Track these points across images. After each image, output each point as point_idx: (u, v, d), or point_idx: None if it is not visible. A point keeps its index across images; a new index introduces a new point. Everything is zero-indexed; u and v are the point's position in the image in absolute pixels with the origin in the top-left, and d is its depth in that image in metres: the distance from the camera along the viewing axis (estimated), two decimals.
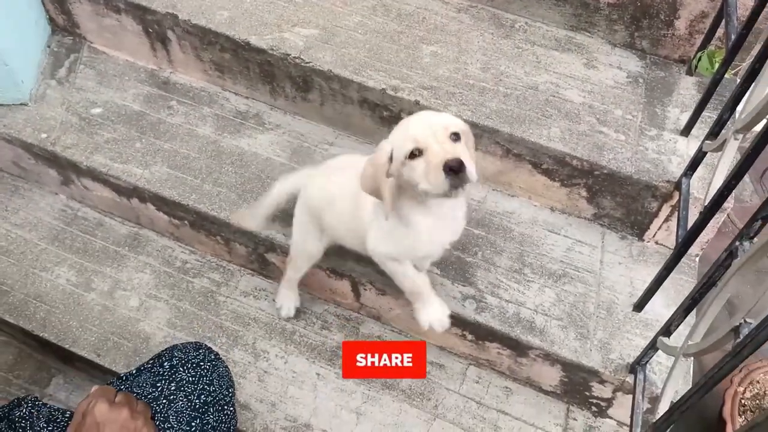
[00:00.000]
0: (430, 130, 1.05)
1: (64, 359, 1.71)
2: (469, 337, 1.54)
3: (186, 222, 1.68)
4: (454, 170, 1.01)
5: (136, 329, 1.63)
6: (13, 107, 1.77)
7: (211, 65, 1.78)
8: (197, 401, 1.25)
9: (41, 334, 1.63)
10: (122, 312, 1.66)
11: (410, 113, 1.58)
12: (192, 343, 1.37)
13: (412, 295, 1.33)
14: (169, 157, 1.69)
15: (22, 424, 1.19)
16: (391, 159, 1.10)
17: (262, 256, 1.66)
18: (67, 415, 1.21)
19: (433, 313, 1.32)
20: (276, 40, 1.64)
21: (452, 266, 1.54)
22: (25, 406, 1.23)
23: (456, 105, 1.54)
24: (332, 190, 1.35)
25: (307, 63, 1.61)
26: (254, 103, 1.81)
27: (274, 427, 1.51)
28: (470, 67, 1.62)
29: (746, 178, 2.63)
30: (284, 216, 1.54)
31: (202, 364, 1.31)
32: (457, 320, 1.49)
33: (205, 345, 1.37)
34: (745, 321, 0.90)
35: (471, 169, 1.03)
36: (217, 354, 1.37)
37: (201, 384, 1.28)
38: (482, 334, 1.50)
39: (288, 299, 1.65)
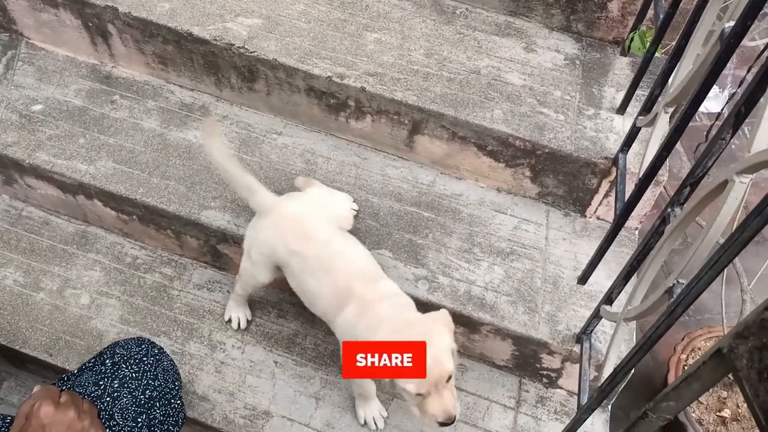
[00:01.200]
0: (436, 381, 1.14)
1: (15, 361, 1.67)
2: None
3: (134, 217, 1.67)
4: (448, 424, 1.17)
5: (89, 327, 1.61)
6: None
7: (153, 58, 1.76)
8: (142, 397, 1.25)
9: None
10: (73, 310, 1.63)
11: (357, 100, 1.62)
12: (134, 338, 1.36)
13: (360, 395, 1.50)
14: (114, 151, 1.67)
15: None
16: None
17: (214, 247, 1.66)
18: (8, 420, 1.18)
19: (370, 411, 1.51)
20: (219, 30, 1.64)
21: (404, 249, 1.57)
22: None
23: (401, 90, 1.57)
24: (306, 281, 1.37)
25: (251, 53, 1.61)
26: (200, 95, 1.80)
27: (234, 416, 1.51)
28: (414, 54, 1.65)
29: (683, 156, 2.75)
30: (236, 204, 1.55)
31: (144, 359, 1.31)
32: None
33: (148, 340, 1.36)
34: (677, 282, 0.96)
35: (458, 414, 1.19)
36: (161, 348, 1.36)
37: (145, 379, 1.27)
38: None
39: (238, 312, 1.63)
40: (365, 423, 1.51)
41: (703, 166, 0.95)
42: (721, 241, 0.81)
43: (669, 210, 1.04)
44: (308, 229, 1.37)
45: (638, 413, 0.92)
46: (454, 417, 1.17)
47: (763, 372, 0.62)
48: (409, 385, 1.15)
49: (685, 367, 2.03)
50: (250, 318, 1.64)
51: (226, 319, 1.63)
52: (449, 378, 1.17)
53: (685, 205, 1.00)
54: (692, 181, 0.98)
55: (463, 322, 1.52)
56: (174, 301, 1.67)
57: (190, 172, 1.65)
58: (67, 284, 1.68)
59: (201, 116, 1.76)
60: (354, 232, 1.58)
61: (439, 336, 1.17)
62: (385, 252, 1.56)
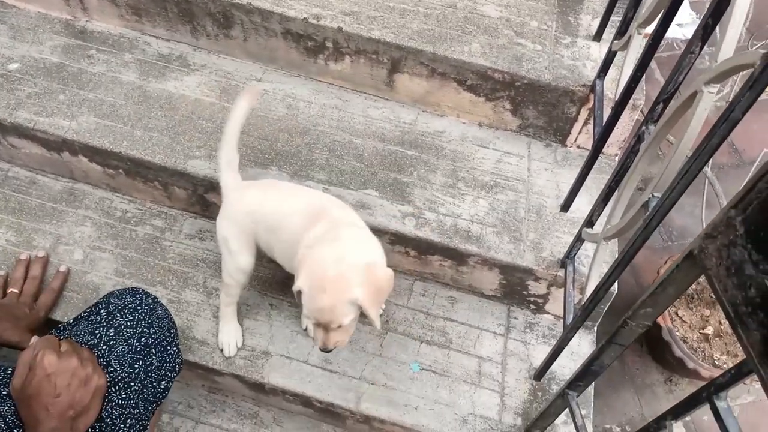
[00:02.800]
0: (327, 318, 1.21)
1: None
2: (412, 253, 1.61)
3: (121, 170, 1.68)
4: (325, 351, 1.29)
5: (84, 281, 1.64)
6: None
7: (127, 9, 1.74)
8: (137, 344, 1.28)
9: None
10: (67, 266, 1.66)
11: (334, 41, 1.61)
12: (128, 289, 1.38)
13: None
14: (95, 106, 1.67)
15: None
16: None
17: (203, 197, 1.68)
18: (9, 372, 1.21)
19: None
20: None
21: (390, 187, 1.60)
22: None
23: (378, 29, 1.57)
24: (277, 217, 1.36)
25: None
26: (176, 45, 1.79)
27: (234, 357, 1.56)
28: None
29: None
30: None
31: (139, 308, 1.33)
32: (399, 238, 1.56)
33: (142, 290, 1.38)
34: (653, 195, 0.99)
35: (343, 343, 1.30)
36: (155, 298, 1.39)
37: (140, 327, 1.30)
38: (424, 248, 1.58)
39: (230, 336, 1.56)
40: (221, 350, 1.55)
41: (674, 82, 0.97)
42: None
43: (643, 128, 1.06)
44: (275, 186, 1.42)
45: (619, 322, 0.97)
46: (330, 349, 1.27)
47: (731, 267, 0.66)
48: (305, 320, 1.30)
49: None
50: (241, 342, 1.57)
51: (220, 346, 1.56)
52: (340, 325, 1.23)
53: (658, 122, 1.03)
54: (665, 97, 1.00)
55: (451, 255, 1.56)
56: (167, 251, 1.70)
57: (172, 123, 1.65)
58: (60, 241, 1.69)
59: (179, 66, 1.75)
60: (339, 173, 1.60)
61: (348, 290, 1.19)
62: (371, 192, 1.59)
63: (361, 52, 1.62)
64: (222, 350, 1.55)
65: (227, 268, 1.46)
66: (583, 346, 1.61)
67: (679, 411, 0.79)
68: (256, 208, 1.37)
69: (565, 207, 1.56)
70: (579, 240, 1.39)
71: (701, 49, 0.90)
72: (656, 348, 2.15)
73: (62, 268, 1.61)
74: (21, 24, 1.81)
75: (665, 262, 2.17)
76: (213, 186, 1.62)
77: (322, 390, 1.52)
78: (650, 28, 1.16)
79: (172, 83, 1.72)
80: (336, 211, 1.32)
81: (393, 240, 1.58)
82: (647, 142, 1.03)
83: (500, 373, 1.56)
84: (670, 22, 1.06)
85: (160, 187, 1.69)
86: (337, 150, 1.65)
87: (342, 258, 1.20)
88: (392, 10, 1.61)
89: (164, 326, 1.35)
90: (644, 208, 1.01)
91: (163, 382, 1.32)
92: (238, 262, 1.42)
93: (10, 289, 1.55)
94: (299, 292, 1.22)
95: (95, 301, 1.58)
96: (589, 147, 1.66)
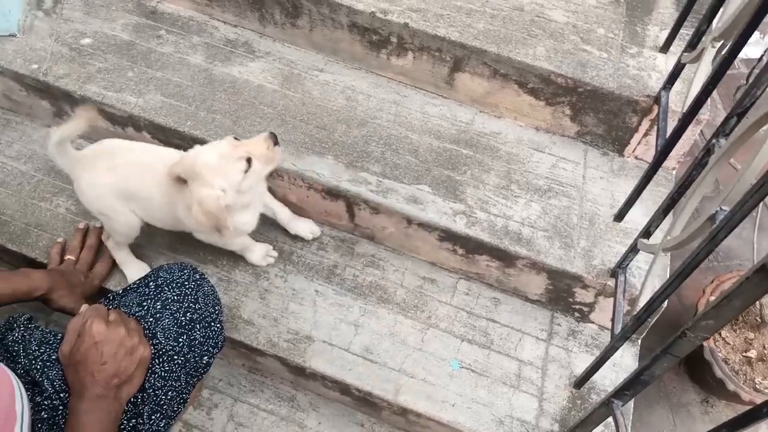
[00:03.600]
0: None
1: None
2: (460, 251, 1.62)
3: (182, 149, 1.71)
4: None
5: (139, 254, 1.68)
6: (2, 38, 1.76)
7: None
8: (183, 318, 1.31)
9: (45, 261, 1.67)
10: None
11: (399, 37, 1.63)
12: (177, 264, 1.42)
13: (243, 249, 1.65)
14: (161, 85, 1.72)
15: (16, 348, 1.24)
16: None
17: None
18: (59, 337, 1.26)
19: (259, 252, 1.66)
20: None
21: (442, 185, 1.61)
22: (18, 329, 1.28)
23: (444, 27, 1.58)
24: (131, 187, 1.45)
25: None
26: (243, 32, 1.83)
27: (278, 339, 1.59)
28: None
29: (718, 104, 2.72)
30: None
31: (186, 283, 1.36)
32: (448, 235, 1.58)
33: (190, 266, 1.42)
34: (720, 208, 0.98)
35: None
36: (202, 275, 1.42)
37: (186, 302, 1.33)
38: (472, 247, 1.58)
39: (135, 270, 1.64)
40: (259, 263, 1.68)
41: (751, 96, 0.96)
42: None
43: (714, 141, 1.06)
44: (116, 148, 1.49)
45: (677, 333, 0.96)
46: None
47: None
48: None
49: None
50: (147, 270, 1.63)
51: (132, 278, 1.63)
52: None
53: (730, 136, 1.02)
54: (739, 111, 1.00)
55: (499, 255, 1.57)
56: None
57: (234, 107, 1.69)
58: None
59: (245, 52, 1.79)
60: (394, 167, 1.62)
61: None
62: (424, 187, 1.60)
63: (424, 49, 1.63)
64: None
65: (115, 229, 1.55)
66: (626, 358, 1.60)
67: (737, 424, 0.79)
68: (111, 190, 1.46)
69: (619, 217, 1.55)
70: (633, 250, 1.38)
71: None
72: (696, 367, 2.12)
73: None
74: (95, 1, 1.87)
75: (711, 282, 2.14)
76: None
77: (361, 379, 1.54)
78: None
79: (237, 68, 1.76)
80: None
81: (442, 237, 1.59)
82: (717, 156, 1.02)
83: (540, 378, 1.56)
84: (749, 37, 1.05)
85: None
86: (392, 144, 1.67)
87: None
88: (459, 9, 1.62)
89: (209, 303, 1.38)
90: (709, 221, 1.00)
91: (205, 357, 1.35)
92: (126, 224, 1.52)
93: (68, 256, 1.61)
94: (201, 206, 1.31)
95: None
96: (647, 159, 1.65)
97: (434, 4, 1.62)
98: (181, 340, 1.29)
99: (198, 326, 1.33)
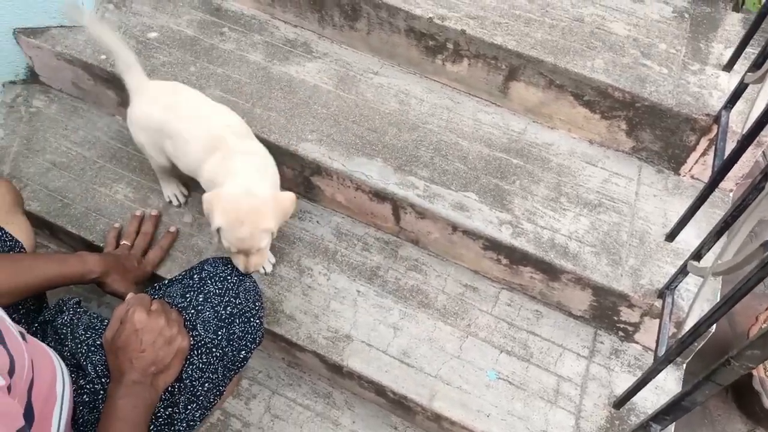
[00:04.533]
0: (247, 246, 1.37)
1: None
2: (504, 261, 1.61)
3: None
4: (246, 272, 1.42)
5: (190, 243, 1.73)
6: (74, 29, 1.85)
7: None
8: (223, 312, 1.33)
9: (101, 245, 1.74)
10: (178, 227, 1.76)
11: (455, 43, 1.63)
12: (222, 258, 1.45)
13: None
14: (221, 81, 1.77)
15: (64, 331, 1.29)
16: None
17: (308, 179, 1.74)
18: (105, 323, 1.30)
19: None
20: None
21: (490, 193, 1.60)
22: (67, 313, 1.33)
23: (501, 35, 1.58)
24: (178, 142, 1.50)
25: None
26: (303, 32, 1.87)
27: (317, 336, 1.61)
28: None
29: None
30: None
31: (229, 278, 1.39)
32: (492, 244, 1.57)
33: None
34: None
35: (260, 265, 1.44)
36: None
37: (227, 296, 1.35)
38: (517, 257, 1.57)
39: (170, 190, 1.77)
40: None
41: None
42: None
43: None
44: (180, 92, 1.54)
45: (721, 360, 0.94)
46: (250, 271, 1.42)
47: None
48: (226, 244, 1.37)
49: None
50: (186, 193, 1.78)
51: (166, 199, 1.78)
52: (258, 249, 1.39)
53: None
54: None
55: (544, 268, 1.55)
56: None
57: (289, 105, 1.72)
58: (172, 203, 1.80)
59: (303, 52, 1.82)
60: (442, 173, 1.62)
61: (263, 221, 1.35)
62: (471, 195, 1.60)
63: (480, 56, 1.63)
64: (170, 202, 1.77)
65: (152, 163, 1.66)
66: (669, 381, 1.56)
67: None
68: (157, 125, 1.51)
69: (671, 237, 1.51)
70: (682, 272, 1.35)
71: None
72: (744, 396, 2.05)
73: (172, 229, 1.72)
74: None
75: (765, 309, 2.06)
76: (319, 169, 1.68)
77: (397, 381, 1.54)
78: None
79: (294, 68, 1.79)
80: (231, 140, 1.43)
81: (486, 245, 1.58)
82: None
83: (579, 395, 1.54)
84: None
85: None
86: (442, 150, 1.67)
87: (250, 192, 1.36)
88: (518, 17, 1.61)
89: (250, 298, 1.40)
90: (763, 247, 0.97)
91: (243, 351, 1.36)
92: (158, 163, 1.62)
93: (123, 242, 1.67)
94: (219, 229, 1.36)
95: (197, 263, 1.69)
96: (704, 178, 1.60)
97: (493, 12, 1.62)
98: (220, 333, 1.31)
99: (237, 321, 1.34)
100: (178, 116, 1.48)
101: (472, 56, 1.64)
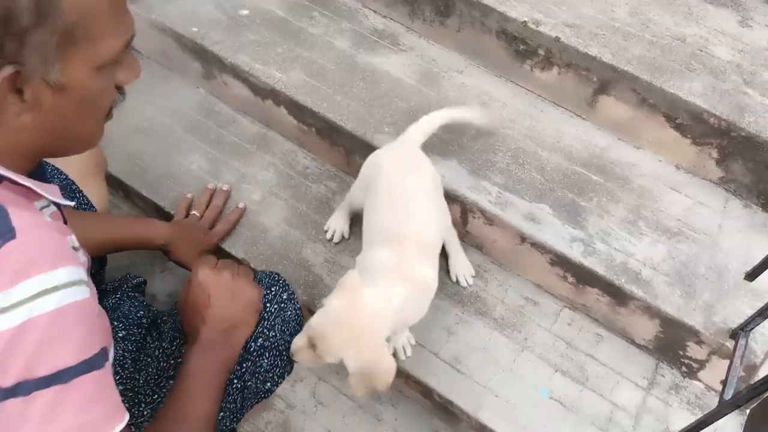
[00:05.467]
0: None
1: None
2: (570, 279, 1.56)
3: (313, 129, 1.77)
4: None
5: (257, 221, 1.75)
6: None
7: None
8: (253, 344, 1.21)
9: (171, 212, 1.78)
10: (245, 203, 1.78)
11: (547, 50, 1.59)
12: (270, 275, 1.34)
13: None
14: (306, 65, 1.77)
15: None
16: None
17: None
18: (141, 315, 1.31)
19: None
20: None
21: (564, 208, 1.56)
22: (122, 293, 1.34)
23: (597, 46, 1.53)
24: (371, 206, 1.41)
25: None
26: (391, 23, 1.85)
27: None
28: (618, 10, 1.59)
29: None
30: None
31: (268, 305, 1.26)
32: (561, 260, 1.52)
33: (283, 281, 1.33)
34: None
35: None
36: (291, 293, 1.33)
37: (262, 327, 1.24)
38: (584, 277, 1.52)
39: (338, 224, 1.69)
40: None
41: None
42: None
43: None
44: (418, 163, 1.44)
45: None
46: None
47: None
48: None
49: None
50: (347, 235, 1.69)
51: (325, 228, 1.70)
52: None
53: None
54: None
55: (612, 292, 1.50)
56: (332, 213, 1.77)
57: (370, 96, 1.72)
58: (243, 179, 1.82)
59: (389, 44, 1.81)
60: (517, 181, 1.59)
61: (374, 337, 1.17)
62: (544, 207, 1.56)
63: (571, 66, 1.58)
64: (326, 231, 1.69)
65: (353, 187, 1.57)
66: (728, 425, 1.49)
67: None
68: (374, 172, 1.43)
69: (752, 276, 1.44)
70: (761, 315, 1.28)
71: None
72: None
73: (240, 205, 1.74)
74: None
75: None
76: None
77: (445, 386, 1.52)
78: None
79: (379, 58, 1.78)
80: (409, 254, 1.26)
81: (554, 261, 1.54)
82: None
83: (632, 426, 1.48)
84: None
85: (343, 153, 1.77)
86: (519, 157, 1.63)
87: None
88: (616, 30, 1.55)
89: (287, 330, 1.29)
90: None
91: (269, 383, 1.27)
92: (353, 196, 1.55)
93: (193, 212, 1.70)
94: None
95: (262, 242, 1.70)
96: None
97: (590, 21, 1.57)
98: (245, 365, 1.20)
99: (267, 354, 1.24)
100: (393, 189, 1.38)
101: (563, 65, 1.59)
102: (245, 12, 1.87)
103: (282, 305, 1.29)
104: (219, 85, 1.91)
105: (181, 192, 1.79)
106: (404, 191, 1.37)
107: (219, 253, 1.76)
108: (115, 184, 1.83)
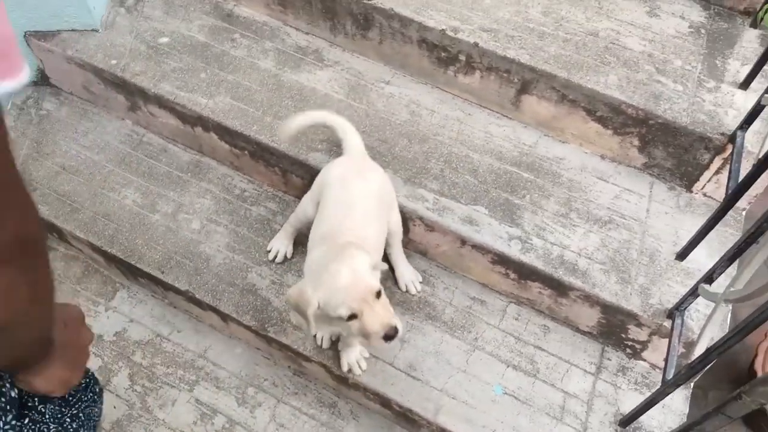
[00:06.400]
0: (362, 296, 1.19)
1: (129, 275, 1.83)
2: (512, 275, 1.60)
3: (246, 152, 1.76)
4: (392, 336, 1.20)
5: (198, 250, 1.73)
6: (85, 33, 1.84)
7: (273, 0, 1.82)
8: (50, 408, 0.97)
9: (109, 250, 1.74)
10: (185, 233, 1.76)
11: (468, 55, 1.62)
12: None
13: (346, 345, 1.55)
14: (232, 88, 1.76)
15: None
16: (319, 306, 1.22)
17: None
18: None
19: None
20: None
21: (500, 207, 1.59)
22: None
23: (515, 48, 1.56)
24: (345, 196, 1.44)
25: (368, 1, 1.64)
26: (314, 40, 1.85)
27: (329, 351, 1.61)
28: (531, 11, 1.63)
29: None
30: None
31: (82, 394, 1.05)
32: (501, 259, 1.56)
33: (92, 375, 1.09)
34: None
35: (401, 327, 1.22)
36: (94, 395, 1.09)
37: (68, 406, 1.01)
38: (525, 273, 1.56)
39: (281, 245, 1.69)
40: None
41: None
42: None
43: None
44: (365, 172, 1.48)
45: (732, 394, 0.93)
46: (395, 327, 1.20)
47: None
48: (341, 310, 1.19)
49: None
50: (290, 255, 1.70)
51: (268, 249, 1.71)
52: (378, 293, 1.22)
53: None
54: None
55: (552, 285, 1.54)
56: (275, 234, 1.76)
57: None
58: (181, 209, 1.80)
59: (314, 60, 1.81)
60: (452, 185, 1.61)
61: (353, 257, 1.22)
62: (480, 209, 1.59)
63: (492, 69, 1.62)
64: (269, 252, 1.69)
65: (302, 202, 1.58)
66: (676, 400, 1.55)
67: None
68: (324, 185, 1.48)
69: (682, 256, 1.50)
70: (693, 294, 1.34)
71: None
72: (752, 416, 2.03)
73: None
74: (174, 1, 1.93)
75: None
76: None
77: (402, 395, 1.54)
78: None
79: (305, 75, 1.78)
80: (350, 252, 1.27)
81: (494, 260, 1.57)
82: None
83: (585, 412, 1.53)
84: None
85: (279, 173, 1.76)
86: (452, 162, 1.66)
87: (345, 253, 1.24)
88: (531, 31, 1.59)
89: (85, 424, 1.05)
90: None
91: None
92: (304, 212, 1.56)
93: None
94: (318, 309, 1.22)
95: (205, 271, 1.68)
96: (717, 197, 1.59)
97: (506, 25, 1.60)
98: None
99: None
100: (339, 195, 1.43)
101: (485, 69, 1.63)
102: (165, 40, 1.84)
103: (93, 401, 1.08)
104: (146, 116, 1.87)
105: (117, 229, 1.76)
106: (350, 196, 1.42)
107: (162, 285, 1.74)
108: (47, 227, 1.78)
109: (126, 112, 1.91)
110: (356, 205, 1.41)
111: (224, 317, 1.67)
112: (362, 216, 1.40)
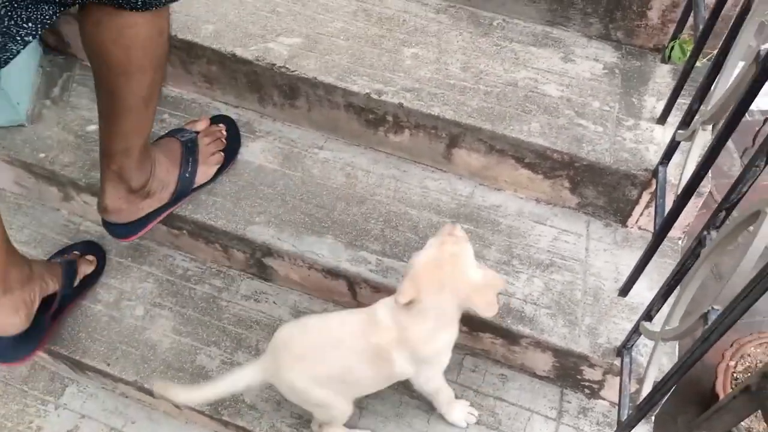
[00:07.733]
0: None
1: (76, 369, 1.77)
2: (464, 328, 1.59)
3: (185, 231, 1.74)
4: None
5: (143, 337, 1.69)
6: (11, 129, 1.82)
7: (199, 77, 1.82)
8: None
9: (53, 347, 1.69)
10: (129, 321, 1.72)
11: (395, 116, 1.65)
12: None
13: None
14: None
15: None
16: None
17: (260, 260, 1.72)
18: None
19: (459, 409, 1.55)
20: (261, 50, 1.69)
21: None
22: None
23: (438, 105, 1.59)
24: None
25: (292, 72, 1.66)
26: (244, 112, 1.86)
27: (280, 425, 1.57)
28: (451, 67, 1.67)
29: (734, 153, 2.68)
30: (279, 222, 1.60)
31: None
32: None
33: None
34: (712, 308, 0.95)
35: None
36: None
37: None
38: (475, 325, 1.56)
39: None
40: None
41: (737, 192, 0.94)
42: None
43: (705, 233, 1.03)
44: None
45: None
46: None
47: None
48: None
49: (734, 374, 2.01)
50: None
51: None
52: None
53: (720, 230, 1.00)
54: (727, 206, 0.97)
55: (502, 334, 1.54)
56: (223, 311, 1.74)
57: (235, 189, 1.71)
58: (123, 296, 1.76)
59: (246, 132, 1.82)
60: (394, 244, 1.61)
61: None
62: None
63: (420, 127, 1.64)
64: None
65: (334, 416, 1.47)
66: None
67: None
68: None
69: (624, 291, 1.52)
70: (636, 332, 1.35)
71: (766, 164, 0.87)
72: None
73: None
74: None
75: (731, 345, 2.07)
76: (270, 251, 1.66)
77: None
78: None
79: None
80: None
81: None
82: (708, 250, 1.00)
83: None
84: (737, 124, 1.03)
85: (220, 249, 1.75)
86: (392, 221, 1.66)
87: None
88: (453, 87, 1.63)
89: None
90: (702, 320, 0.97)
91: None
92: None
93: None
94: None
95: (152, 359, 1.64)
96: (651, 228, 1.62)
97: (428, 83, 1.63)
98: None
99: None
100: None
101: (413, 127, 1.65)
102: (93, 128, 1.83)
103: None
104: (80, 205, 1.84)
105: (59, 323, 1.70)
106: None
107: (110, 377, 1.68)
108: None
109: (60, 202, 1.88)
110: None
111: (176, 404, 1.62)
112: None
